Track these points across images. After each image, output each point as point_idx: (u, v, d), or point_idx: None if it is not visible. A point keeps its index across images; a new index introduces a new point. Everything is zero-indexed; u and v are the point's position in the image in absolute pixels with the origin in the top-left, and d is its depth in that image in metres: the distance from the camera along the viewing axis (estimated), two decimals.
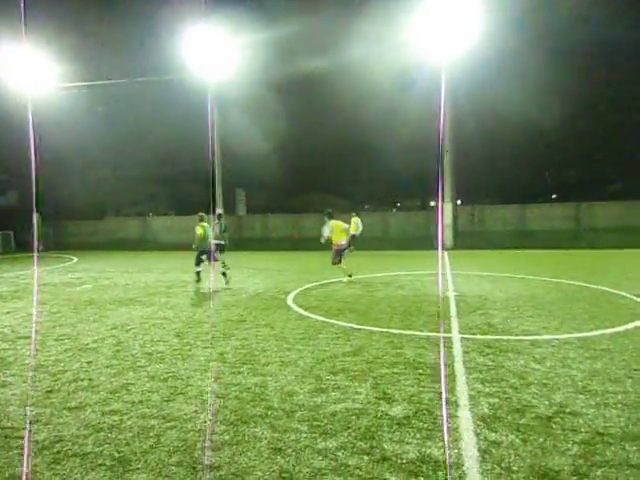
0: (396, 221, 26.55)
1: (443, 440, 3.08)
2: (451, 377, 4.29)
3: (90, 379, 4.40)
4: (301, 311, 7.48)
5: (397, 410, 3.59)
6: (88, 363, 4.88)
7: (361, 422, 3.39)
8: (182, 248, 23.45)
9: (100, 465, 2.86)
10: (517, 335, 5.74)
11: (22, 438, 3.22)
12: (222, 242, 13.69)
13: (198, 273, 11.01)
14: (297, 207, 28.68)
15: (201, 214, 11.22)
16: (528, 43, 24.87)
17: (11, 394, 4.04)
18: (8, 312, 7.69)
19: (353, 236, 17.08)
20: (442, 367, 4.55)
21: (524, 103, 26.22)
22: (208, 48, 20.51)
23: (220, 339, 5.85)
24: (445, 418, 3.41)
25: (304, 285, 10.35)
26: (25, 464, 2.88)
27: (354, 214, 18.19)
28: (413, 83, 28.42)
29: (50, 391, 4.09)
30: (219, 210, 18.53)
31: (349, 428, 3.30)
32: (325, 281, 10.98)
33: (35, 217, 23.27)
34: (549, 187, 38.59)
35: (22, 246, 23.09)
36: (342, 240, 11.07)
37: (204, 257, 10.94)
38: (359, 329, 6.23)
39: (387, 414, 3.52)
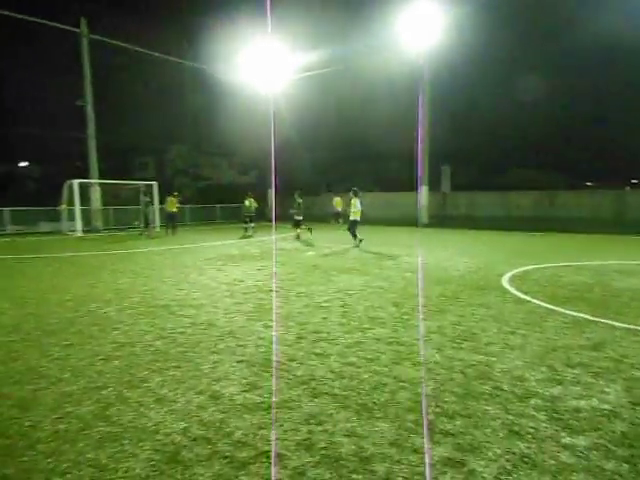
0: (634, 200, 21.72)
1: None
2: None
3: (328, 332, 5.09)
4: (519, 294, 6.96)
5: None
6: (323, 319, 5.65)
7: (615, 426, 3.01)
8: (385, 223, 24.48)
9: (348, 407, 3.32)
10: None
11: (286, 371, 3.98)
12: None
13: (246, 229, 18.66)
14: (508, 184, 26.27)
15: (250, 193, 19.25)
16: None
17: (271, 334, 5.01)
18: (258, 269, 9.48)
19: (338, 213, 22.98)
20: None
21: None
22: (420, 21, 20.23)
23: (436, 313, 5.95)
24: None
25: (519, 267, 9.54)
26: (292, 392, 3.57)
27: (352, 194, 14.31)
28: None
29: (299, 337, 4.91)
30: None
31: (599, 429, 2.97)
32: (544, 265, 9.88)
33: (270, 192, 27.83)
34: None
35: (261, 216, 28.08)
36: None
37: (247, 220, 18.79)
38: (595, 322, 5.45)
39: None
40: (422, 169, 22.90)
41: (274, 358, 4.28)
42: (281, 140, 27.34)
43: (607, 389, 3.57)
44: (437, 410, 3.27)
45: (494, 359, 4.26)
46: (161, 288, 7.49)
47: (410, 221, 23.48)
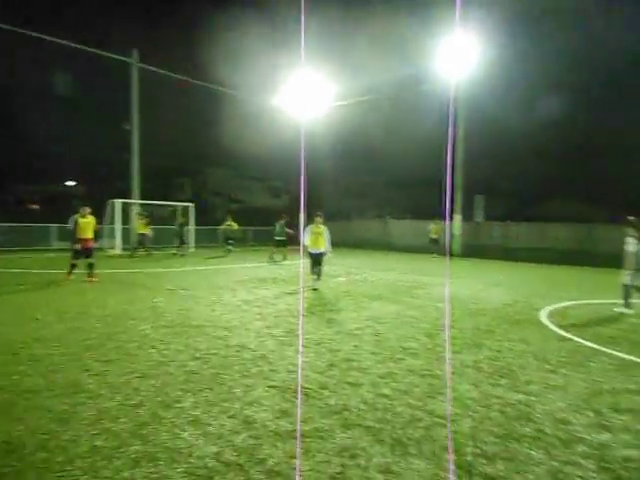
0: None
1: None
2: None
3: (359, 361, 5.01)
4: (560, 331, 6.67)
5: None
6: (355, 347, 5.57)
7: None
8: (417, 251, 24.17)
9: (382, 441, 3.23)
10: None
11: (318, 399, 3.92)
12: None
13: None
14: (542, 215, 25.69)
15: (229, 216, 19.74)
16: None
17: (303, 361, 4.97)
18: (289, 293, 9.51)
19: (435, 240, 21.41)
20: None
21: None
22: (455, 52, 20.41)
23: (471, 346, 5.77)
24: None
25: (558, 302, 9.18)
26: (324, 422, 3.51)
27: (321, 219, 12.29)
28: None
29: (331, 365, 4.85)
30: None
31: None
32: (586, 301, 9.47)
33: (301, 217, 28.13)
34: None
35: (293, 240, 28.35)
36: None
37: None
38: None
39: None
40: (455, 198, 22.64)
41: (306, 385, 4.24)
42: (314, 165, 27.78)
43: None
44: (476, 451, 3.13)
45: (535, 399, 4.07)
46: (195, 308, 7.61)
47: (441, 250, 23.11)
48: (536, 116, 31.73)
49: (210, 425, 3.36)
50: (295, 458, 2.97)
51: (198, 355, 5.00)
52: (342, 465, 2.91)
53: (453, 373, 4.72)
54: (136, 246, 18.79)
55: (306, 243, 9.97)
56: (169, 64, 24.43)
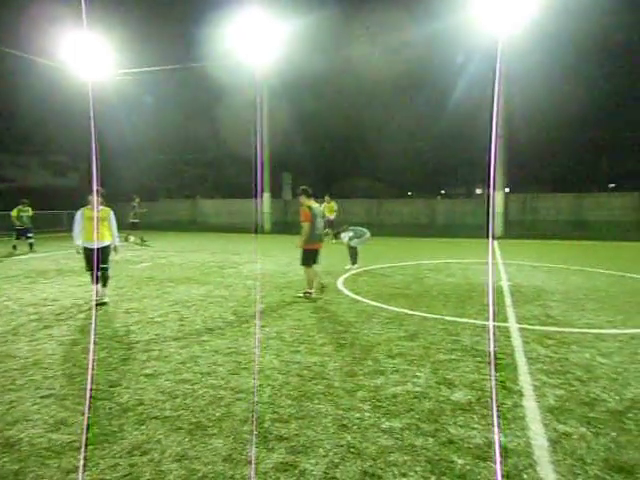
0: (443, 208, 25.98)
1: (510, 428, 3.07)
2: (512, 367, 4.23)
3: (160, 350, 4.69)
4: (352, 295, 7.55)
5: (459, 395, 3.60)
6: (157, 335, 5.20)
7: (423, 405, 3.43)
8: (229, 230, 24.16)
9: (180, 428, 3.08)
10: (580, 328, 5.55)
11: (107, 400, 3.50)
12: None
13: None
14: (342, 192, 28.76)
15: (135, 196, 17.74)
16: (582, 32, 23.50)
17: (92, 359, 4.38)
18: (79, 285, 8.28)
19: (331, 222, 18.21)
20: (501, 356, 4.50)
21: (577, 88, 25.01)
22: (258, 32, 20.62)
23: (276, 318, 6.04)
24: (510, 407, 3.39)
25: (352, 270, 10.41)
26: (113, 423, 3.15)
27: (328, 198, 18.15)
28: (461, 67, 27.51)
29: (126, 359, 4.40)
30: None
31: (412, 410, 3.35)
32: (372, 267, 10.99)
33: (94, 199, 24.60)
34: (607, 176, 37.00)
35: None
36: None
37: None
38: (412, 315, 6.24)
39: (449, 399, 3.54)
40: (264, 176, 23.37)
41: (93, 387, 3.73)
42: (110, 141, 24.70)
43: (419, 373, 4.07)
44: (273, 416, 3.26)
45: (328, 359, 4.49)
46: None
47: (252, 228, 23.69)
48: (332, 100, 34.78)
49: None
50: (73, 472, 2.57)
51: None
52: (131, 465, 2.65)
53: (257, 347, 4.84)
54: None
55: (78, 233, 6.90)
56: None
